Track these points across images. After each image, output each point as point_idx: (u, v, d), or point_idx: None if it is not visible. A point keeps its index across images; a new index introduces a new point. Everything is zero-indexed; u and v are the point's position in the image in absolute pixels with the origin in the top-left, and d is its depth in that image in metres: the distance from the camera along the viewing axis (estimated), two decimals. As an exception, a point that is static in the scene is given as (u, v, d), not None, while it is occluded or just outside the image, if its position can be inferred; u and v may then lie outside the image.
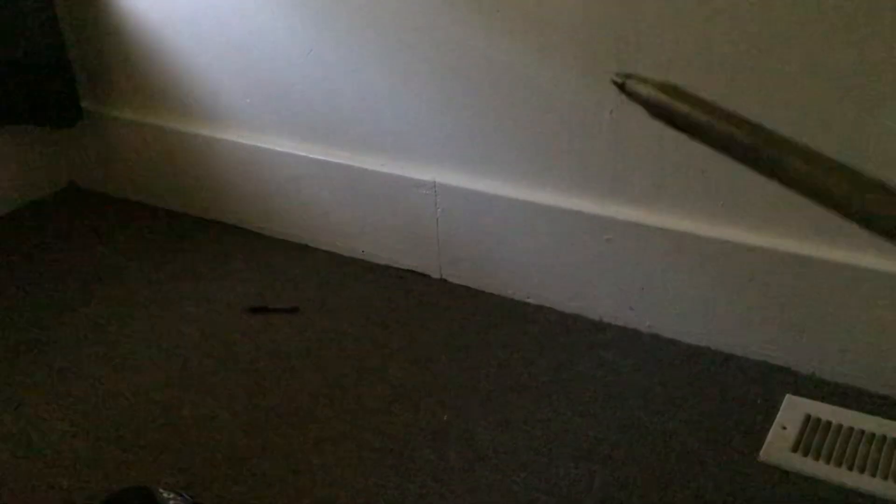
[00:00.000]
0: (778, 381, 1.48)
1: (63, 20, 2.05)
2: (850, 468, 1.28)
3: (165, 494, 1.21)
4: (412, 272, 1.85)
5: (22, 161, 2.18)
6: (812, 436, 1.35)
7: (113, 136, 2.16)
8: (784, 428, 1.36)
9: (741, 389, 1.47)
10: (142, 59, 2.02)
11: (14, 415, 1.49)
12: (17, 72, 2.00)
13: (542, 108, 1.57)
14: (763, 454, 1.32)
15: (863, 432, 1.34)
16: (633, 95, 0.76)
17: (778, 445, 1.33)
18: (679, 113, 0.73)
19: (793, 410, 1.40)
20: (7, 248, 2.02)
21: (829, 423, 1.37)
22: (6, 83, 2.00)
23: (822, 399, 1.43)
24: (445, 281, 1.82)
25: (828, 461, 1.30)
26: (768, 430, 1.37)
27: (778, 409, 1.41)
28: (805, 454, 1.31)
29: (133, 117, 2.11)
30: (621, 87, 0.78)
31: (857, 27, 1.27)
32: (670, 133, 1.45)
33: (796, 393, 1.44)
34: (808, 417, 1.38)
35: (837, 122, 1.33)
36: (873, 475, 1.27)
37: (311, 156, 1.87)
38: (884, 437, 1.33)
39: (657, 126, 1.46)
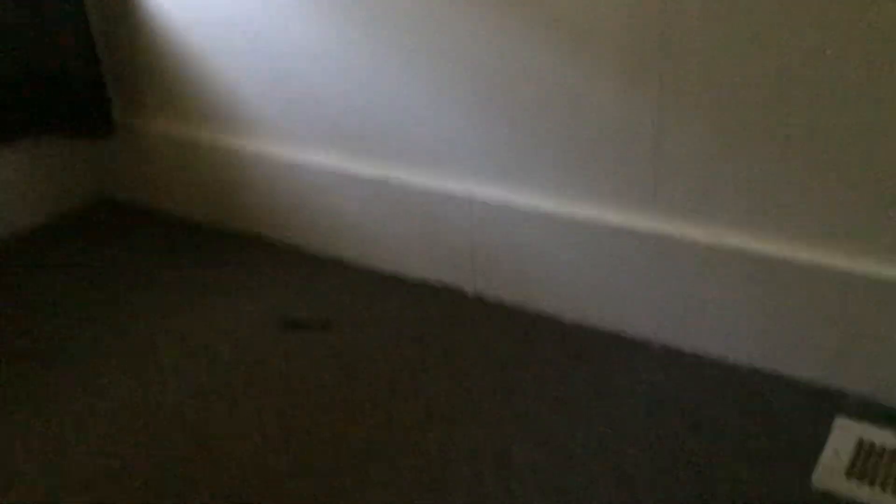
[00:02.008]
0: (828, 402, 1.42)
1: (96, 32, 2.05)
2: (908, 496, 1.22)
3: None
4: (447, 287, 1.81)
5: (55, 172, 2.18)
6: (867, 461, 1.29)
7: (145, 147, 2.15)
8: (837, 452, 1.31)
9: (790, 412, 1.41)
10: (174, 71, 2.01)
11: (41, 430, 1.47)
12: (51, 84, 1.99)
13: (581, 119, 1.53)
14: (816, 480, 1.26)
15: (920, 458, 1.28)
16: None
17: (831, 471, 1.27)
18: None
19: (845, 434, 1.34)
20: (39, 260, 2.01)
21: (883, 448, 1.31)
22: (40, 95, 2.00)
23: (875, 422, 1.37)
24: (480, 296, 1.78)
25: (884, 488, 1.24)
26: (820, 454, 1.31)
27: (829, 433, 1.35)
28: (860, 480, 1.25)
29: (165, 129, 2.09)
30: None
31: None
32: (714, 146, 1.41)
33: (848, 415, 1.38)
34: (861, 441, 1.32)
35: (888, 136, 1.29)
36: (933, 503, 1.21)
37: (344, 168, 1.85)
38: (942, 464, 1.27)
39: (701, 137, 1.42)
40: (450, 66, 1.63)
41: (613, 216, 1.57)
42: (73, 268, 1.97)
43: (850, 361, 1.43)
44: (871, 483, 1.25)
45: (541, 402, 1.47)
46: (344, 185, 1.86)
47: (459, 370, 1.57)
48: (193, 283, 1.89)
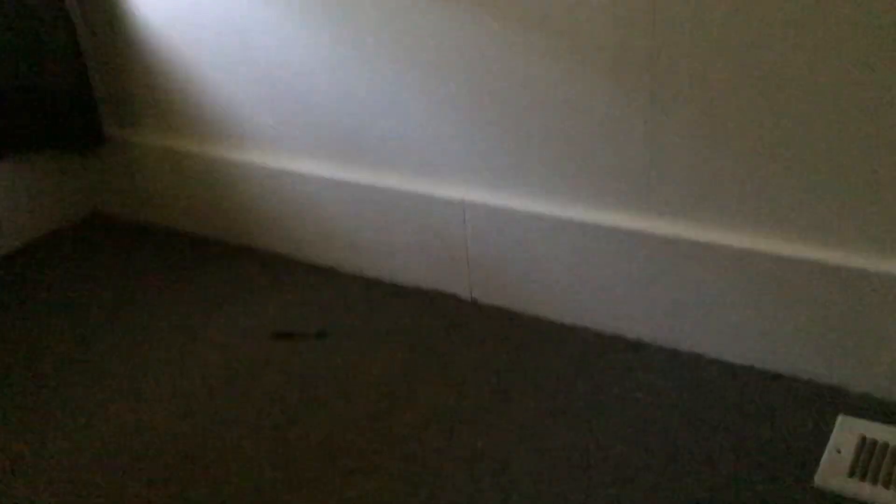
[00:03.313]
0: (829, 401, 1.41)
1: (85, 46, 2.04)
2: (912, 493, 1.21)
3: None
4: (442, 294, 1.80)
5: (45, 188, 2.17)
6: (869, 459, 1.27)
7: (136, 161, 2.14)
8: (839, 451, 1.29)
9: (790, 411, 1.40)
10: (164, 83, 2.00)
11: (34, 447, 1.45)
12: (40, 98, 1.98)
13: (573, 121, 1.52)
14: (818, 479, 1.25)
15: (923, 454, 1.27)
16: None
17: (833, 470, 1.26)
18: None
19: (847, 432, 1.33)
20: (30, 277, 2.00)
21: (886, 445, 1.29)
22: (29, 110, 1.99)
23: (878, 419, 1.35)
24: (476, 302, 1.76)
25: (887, 486, 1.22)
26: (822, 453, 1.30)
27: (831, 431, 1.33)
28: (863, 478, 1.24)
29: (156, 142, 2.08)
30: None
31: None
32: (707, 143, 1.40)
33: (849, 413, 1.37)
34: (863, 439, 1.31)
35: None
36: (937, 501, 1.19)
37: (336, 177, 1.83)
38: (946, 460, 1.25)
39: (693, 137, 1.41)
40: (442, 72, 1.62)
41: (609, 218, 1.56)
42: (66, 284, 1.96)
43: (850, 358, 1.41)
44: (874, 481, 1.23)
45: (539, 408, 1.46)
46: (337, 193, 1.85)
47: (456, 377, 1.55)
48: (186, 296, 1.88)
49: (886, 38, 1.22)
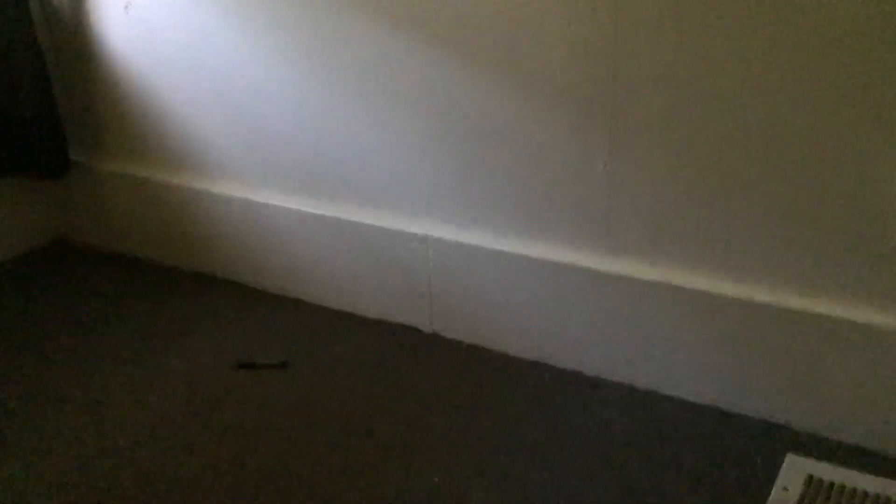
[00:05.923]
0: (779, 439, 1.44)
1: (53, 72, 2.04)
2: (856, 532, 1.24)
3: None
4: (404, 326, 1.82)
5: (9, 213, 2.16)
6: (815, 497, 1.31)
7: (102, 188, 2.14)
8: (786, 489, 1.32)
9: (742, 449, 1.43)
10: (132, 112, 2.01)
11: (-8, 476, 1.44)
12: (6, 124, 1.98)
13: (535, 160, 1.55)
14: (765, 517, 1.28)
15: (866, 494, 1.30)
16: None
17: (780, 508, 1.29)
18: None
19: (794, 471, 1.36)
20: (-9, 302, 1.99)
21: (831, 484, 1.33)
22: (-6, 135, 1.98)
23: (824, 459, 1.39)
24: (438, 335, 1.79)
25: (832, 524, 1.26)
26: (770, 490, 1.33)
27: (779, 469, 1.37)
28: (808, 517, 1.27)
29: (122, 169, 2.09)
30: None
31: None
32: (665, 186, 1.44)
33: (798, 452, 1.40)
34: (810, 478, 1.34)
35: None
36: (879, 539, 1.23)
37: (301, 209, 1.85)
38: (888, 499, 1.29)
39: (652, 179, 1.45)
40: (408, 110, 1.65)
41: (568, 256, 1.59)
42: (28, 309, 1.95)
43: (801, 399, 1.45)
44: (820, 520, 1.27)
45: (497, 443, 1.48)
46: (301, 224, 1.87)
47: (416, 411, 1.57)
48: (150, 324, 1.88)
49: (846, 84, 1.28)
